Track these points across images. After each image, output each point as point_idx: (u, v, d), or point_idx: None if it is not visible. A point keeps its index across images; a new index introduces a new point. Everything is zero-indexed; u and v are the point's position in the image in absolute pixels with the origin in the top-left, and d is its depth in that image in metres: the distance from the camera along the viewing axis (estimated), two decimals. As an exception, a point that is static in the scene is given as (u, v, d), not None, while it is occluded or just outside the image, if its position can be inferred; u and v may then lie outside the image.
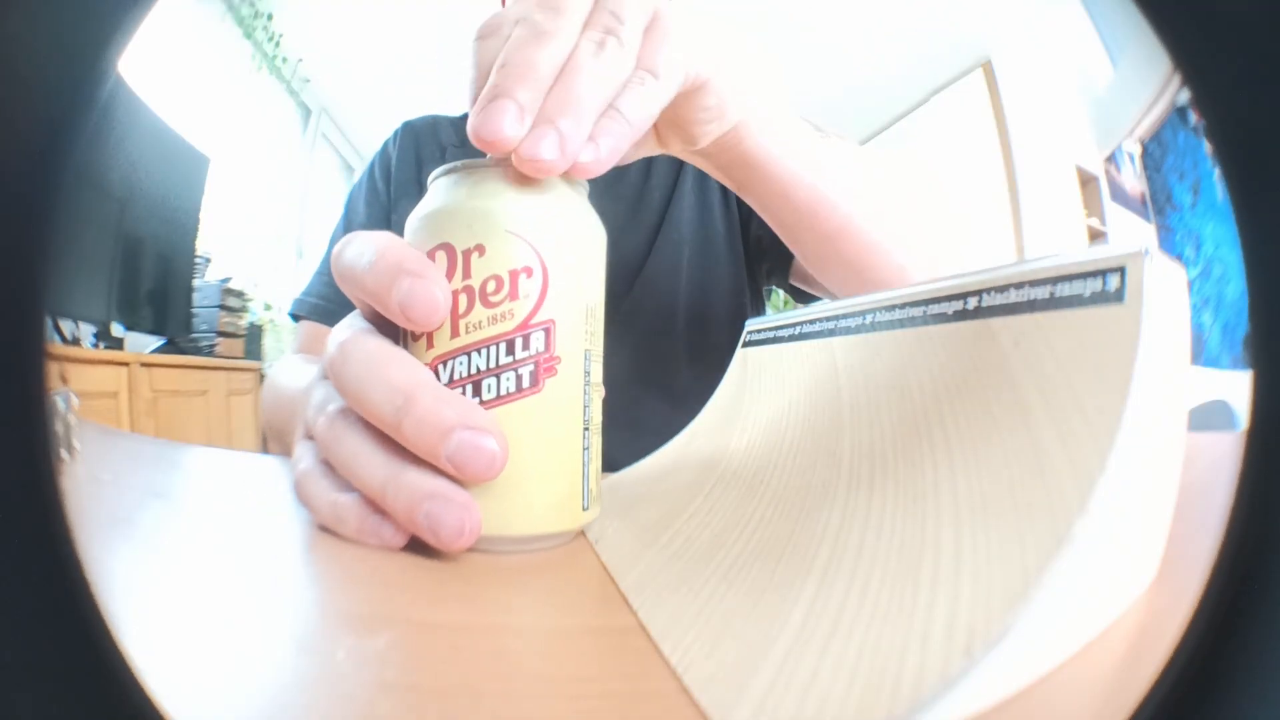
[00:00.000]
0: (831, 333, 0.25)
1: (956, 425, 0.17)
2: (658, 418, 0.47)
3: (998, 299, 0.18)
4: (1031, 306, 0.17)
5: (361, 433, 0.19)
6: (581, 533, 0.23)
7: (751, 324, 0.33)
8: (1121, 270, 0.15)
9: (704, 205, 0.62)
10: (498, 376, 0.18)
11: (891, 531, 0.15)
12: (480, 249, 0.18)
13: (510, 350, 0.18)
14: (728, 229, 0.62)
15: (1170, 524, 0.15)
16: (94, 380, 1.38)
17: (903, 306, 0.21)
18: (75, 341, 1.45)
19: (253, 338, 2.19)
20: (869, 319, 0.23)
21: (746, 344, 0.33)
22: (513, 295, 0.18)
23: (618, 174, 0.58)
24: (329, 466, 0.21)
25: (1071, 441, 0.13)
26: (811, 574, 0.15)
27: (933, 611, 0.12)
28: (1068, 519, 0.12)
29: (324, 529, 0.21)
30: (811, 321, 0.27)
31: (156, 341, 1.77)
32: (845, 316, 0.25)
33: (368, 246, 0.20)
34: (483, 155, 0.20)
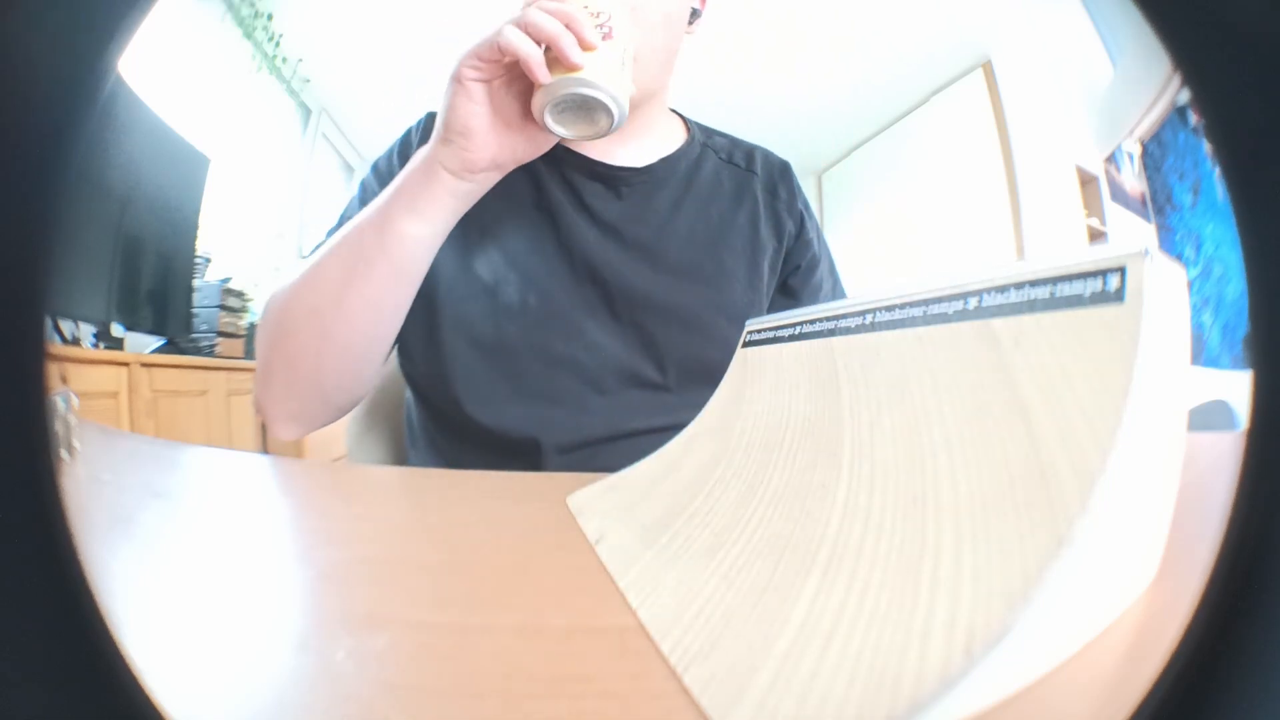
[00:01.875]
0: (831, 333, 0.25)
1: (956, 425, 0.17)
2: (657, 419, 0.47)
3: (998, 299, 0.18)
4: (1032, 306, 0.17)
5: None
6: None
7: (751, 324, 0.33)
8: (1121, 270, 0.15)
9: (751, 218, 0.60)
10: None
11: (891, 531, 0.15)
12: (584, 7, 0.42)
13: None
14: (755, 249, 0.59)
15: (1170, 524, 0.15)
16: (94, 380, 1.38)
17: (903, 306, 0.21)
18: (75, 341, 1.45)
19: (253, 338, 2.19)
20: (869, 319, 0.23)
21: (747, 344, 0.33)
22: (596, 17, 0.42)
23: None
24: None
25: (1071, 441, 0.13)
26: (811, 574, 0.15)
27: (933, 611, 0.12)
28: (1068, 519, 0.12)
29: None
30: (811, 321, 0.27)
31: (156, 341, 1.76)
32: (845, 316, 0.25)
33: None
34: None
